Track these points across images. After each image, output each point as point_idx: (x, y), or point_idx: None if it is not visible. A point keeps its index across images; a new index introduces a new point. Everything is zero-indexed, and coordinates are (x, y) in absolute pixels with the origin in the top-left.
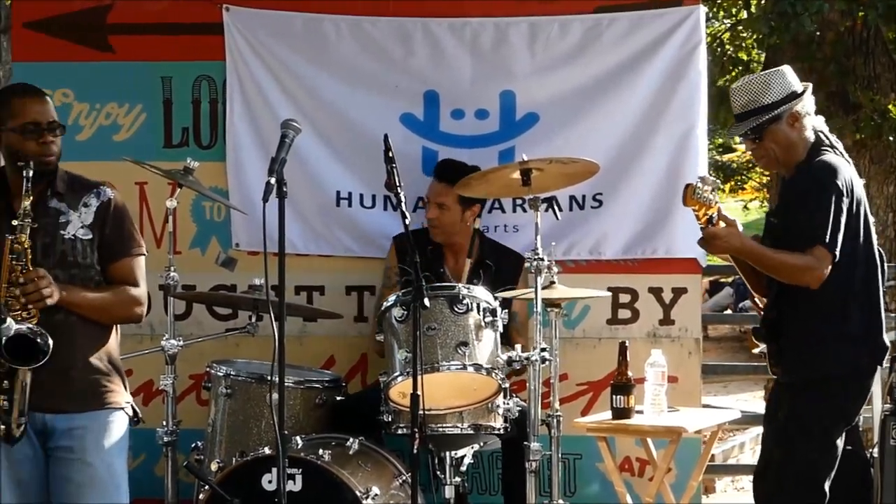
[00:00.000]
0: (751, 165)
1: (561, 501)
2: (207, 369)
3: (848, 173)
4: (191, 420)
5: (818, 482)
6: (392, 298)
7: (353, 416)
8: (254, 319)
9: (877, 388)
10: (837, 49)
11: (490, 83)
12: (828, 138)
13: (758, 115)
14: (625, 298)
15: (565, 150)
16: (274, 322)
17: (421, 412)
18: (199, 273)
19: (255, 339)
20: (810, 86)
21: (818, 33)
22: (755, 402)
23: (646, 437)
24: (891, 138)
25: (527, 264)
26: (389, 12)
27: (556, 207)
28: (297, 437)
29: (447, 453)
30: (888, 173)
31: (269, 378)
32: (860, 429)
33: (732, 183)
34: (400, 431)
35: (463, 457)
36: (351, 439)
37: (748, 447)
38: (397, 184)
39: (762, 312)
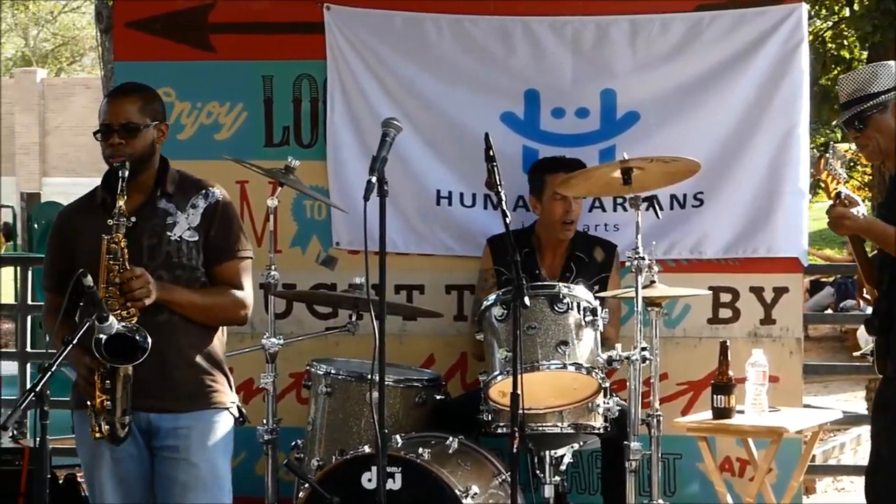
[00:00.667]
0: (852, 165)
1: (661, 501)
2: (307, 368)
3: None
4: (290, 418)
5: None
6: (492, 297)
7: (452, 415)
8: (354, 318)
9: None
10: None
11: (591, 82)
12: None
13: (863, 102)
14: (726, 298)
15: (666, 148)
16: (374, 321)
17: (521, 411)
18: (299, 272)
19: (354, 337)
20: None
21: None
22: (856, 402)
23: (747, 437)
24: None
25: (627, 263)
26: (490, 11)
27: (656, 206)
28: (397, 436)
29: (547, 452)
30: None
31: (368, 377)
32: None
33: None
34: (499, 431)
35: (562, 456)
36: (450, 438)
37: (849, 448)
38: (498, 183)
39: (873, 304)
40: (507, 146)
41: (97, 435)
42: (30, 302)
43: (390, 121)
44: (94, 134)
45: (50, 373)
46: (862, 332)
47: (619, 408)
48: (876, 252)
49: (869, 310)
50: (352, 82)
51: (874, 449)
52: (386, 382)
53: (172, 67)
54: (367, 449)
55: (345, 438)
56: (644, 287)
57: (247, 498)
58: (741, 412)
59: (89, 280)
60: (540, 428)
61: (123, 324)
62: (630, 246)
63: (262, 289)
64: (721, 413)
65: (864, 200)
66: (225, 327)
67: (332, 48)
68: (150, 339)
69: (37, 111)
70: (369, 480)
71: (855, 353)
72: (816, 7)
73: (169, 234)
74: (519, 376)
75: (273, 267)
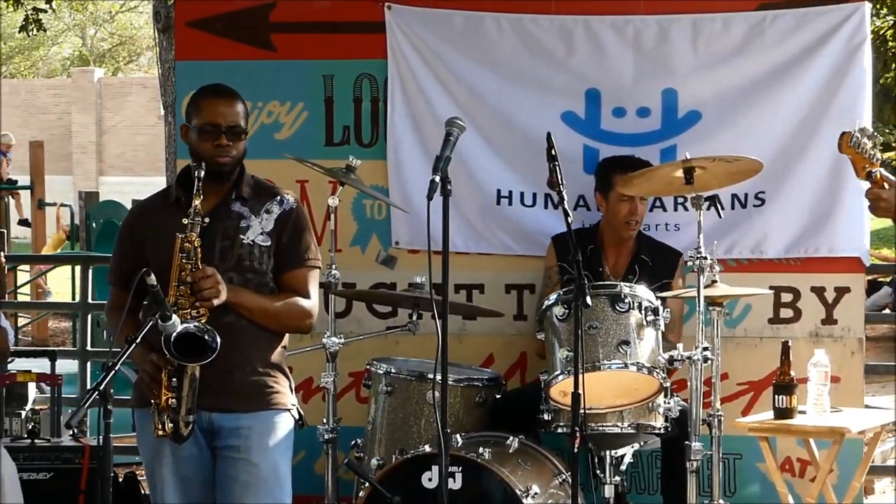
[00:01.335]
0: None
1: (721, 501)
2: (367, 367)
3: None
4: (350, 418)
5: None
6: (553, 297)
7: (512, 414)
8: (414, 317)
9: None
10: None
11: (652, 81)
12: None
13: None
14: (787, 297)
15: (727, 148)
16: (437, 320)
17: (582, 411)
18: (359, 271)
19: (414, 336)
20: None
21: None
22: None
23: (808, 437)
24: None
25: (689, 263)
26: (551, 10)
27: (718, 206)
28: (457, 436)
29: (607, 452)
30: None
31: (429, 376)
32: None
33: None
34: (560, 430)
35: (623, 456)
36: (511, 438)
37: None
38: (560, 182)
39: None
40: (568, 146)
41: (160, 433)
42: (90, 300)
43: (454, 120)
44: (190, 132)
45: (113, 371)
46: None
47: (679, 408)
48: None
49: None
50: (412, 82)
51: None
52: (435, 380)
53: (233, 67)
54: (427, 448)
55: (405, 438)
56: (706, 287)
57: (306, 496)
58: (803, 412)
59: (153, 279)
60: (600, 428)
61: (195, 323)
62: (691, 245)
63: (322, 288)
64: (783, 413)
65: None
66: None
67: (392, 48)
68: (218, 339)
69: (94, 110)
70: (430, 480)
71: None
72: (878, 5)
73: (242, 237)
74: (580, 376)
75: (334, 266)
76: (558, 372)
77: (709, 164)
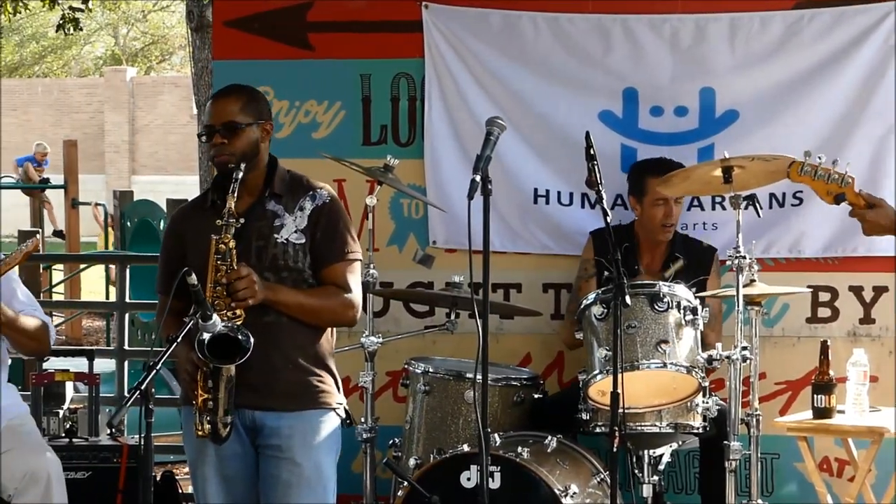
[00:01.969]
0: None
1: (760, 501)
2: (405, 366)
3: None
4: (387, 417)
5: None
6: (592, 296)
7: (549, 413)
8: (452, 316)
9: None
10: None
11: (689, 80)
12: None
13: None
14: (824, 297)
15: (765, 147)
16: (478, 320)
17: (620, 410)
18: (396, 270)
19: (451, 336)
20: None
21: None
22: None
23: (847, 437)
24: None
25: (728, 262)
26: (588, 9)
27: (757, 205)
28: (496, 435)
29: (645, 452)
30: None
31: (467, 375)
32: None
33: None
34: (598, 430)
35: (661, 455)
36: (549, 437)
37: None
38: (599, 181)
39: None
40: (606, 145)
41: (199, 433)
42: (127, 300)
43: (494, 119)
44: (199, 136)
45: (154, 371)
46: None
47: (718, 407)
48: None
49: None
50: (449, 80)
51: None
52: (476, 380)
53: (271, 66)
54: (466, 448)
55: (443, 437)
56: (744, 286)
57: (344, 496)
58: (841, 412)
59: (193, 279)
60: (639, 427)
61: (226, 324)
62: (728, 245)
63: None
64: (822, 413)
65: None
66: (335, 329)
67: (430, 46)
68: (252, 340)
69: (126, 109)
70: (468, 479)
71: None
72: None
73: (276, 236)
74: (619, 375)
75: (371, 265)
76: (597, 371)
77: (747, 163)
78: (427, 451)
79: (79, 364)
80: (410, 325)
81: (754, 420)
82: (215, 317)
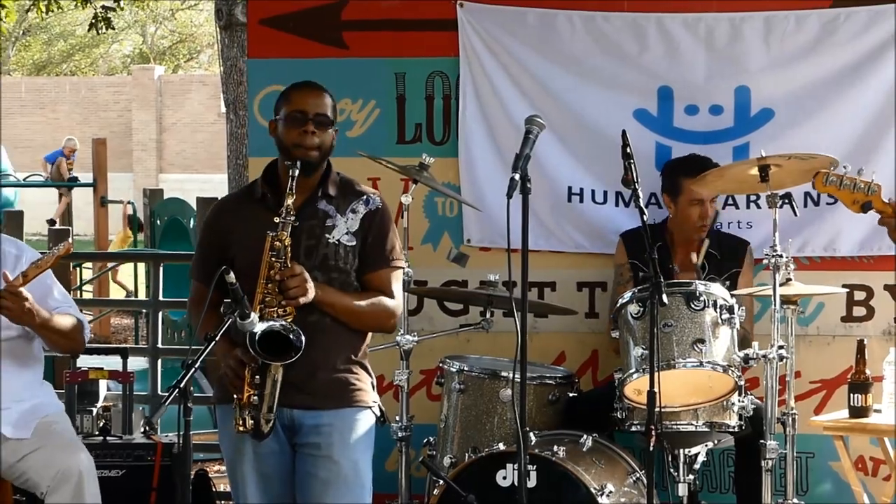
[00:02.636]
0: None
1: (796, 500)
2: (440, 365)
3: None
4: (421, 415)
5: None
6: (627, 295)
7: (584, 412)
8: (488, 315)
9: None
10: None
11: (724, 78)
12: None
13: None
14: (860, 296)
15: (800, 146)
16: (516, 318)
17: (657, 409)
18: (430, 268)
19: (485, 334)
20: None
21: None
22: None
23: (884, 436)
24: None
25: (765, 261)
26: (623, 8)
27: (793, 204)
28: (531, 433)
29: (681, 451)
30: None
31: (502, 374)
32: None
33: None
34: (633, 429)
35: (696, 454)
36: (584, 436)
37: None
38: (635, 180)
39: None
40: (640, 143)
41: (241, 429)
42: (160, 298)
43: (533, 118)
44: (275, 122)
45: (194, 369)
46: None
47: (753, 406)
48: None
49: None
50: (484, 79)
51: None
52: (514, 379)
53: (305, 65)
54: (501, 446)
55: (478, 436)
56: (781, 285)
57: (378, 495)
58: (878, 411)
59: (232, 276)
60: (675, 426)
61: (280, 322)
62: (763, 243)
63: None
64: (858, 412)
65: None
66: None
67: (464, 45)
68: (303, 339)
69: (154, 108)
70: (504, 478)
71: None
72: None
73: (327, 236)
74: (656, 374)
75: (407, 264)
76: (633, 370)
77: (784, 161)
78: (462, 450)
79: (109, 362)
80: (444, 323)
81: (790, 419)
82: (253, 315)
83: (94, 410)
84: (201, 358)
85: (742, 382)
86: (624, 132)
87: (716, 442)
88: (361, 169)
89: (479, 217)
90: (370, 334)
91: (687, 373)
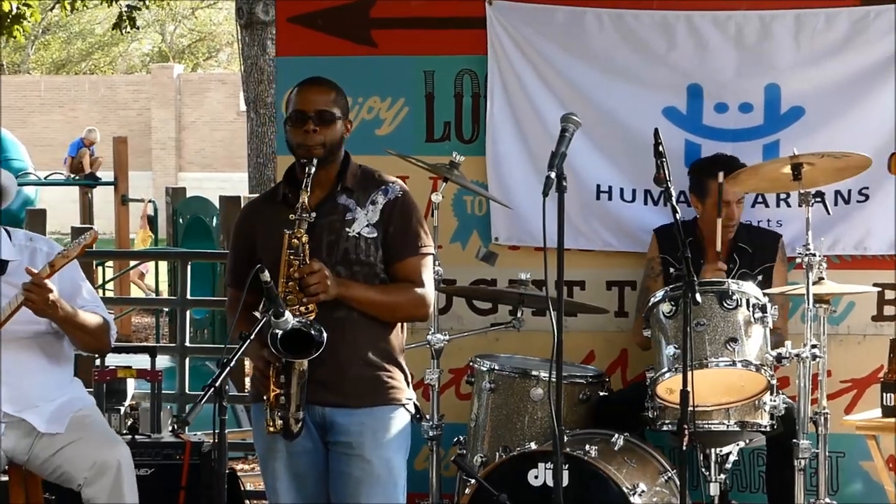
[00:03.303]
0: None
1: (828, 500)
2: (471, 364)
3: None
4: (451, 414)
5: None
6: (660, 294)
7: (614, 411)
8: (519, 314)
9: None
10: None
11: (754, 76)
12: None
13: None
14: (891, 294)
15: (830, 143)
16: (552, 317)
17: (690, 408)
18: (459, 267)
19: (514, 333)
20: None
21: None
22: None
23: None
24: None
25: (797, 258)
26: (653, 6)
27: (825, 202)
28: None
29: (712, 450)
30: None
31: (532, 373)
32: None
33: None
34: (665, 428)
35: (728, 454)
36: (616, 435)
37: None
38: (667, 178)
39: None
40: (670, 141)
41: (271, 429)
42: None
43: (569, 116)
44: (285, 123)
45: (228, 368)
46: None
47: (785, 405)
48: None
49: None
50: (512, 77)
51: None
52: (551, 379)
53: (334, 62)
54: (533, 445)
55: (508, 435)
56: (813, 283)
57: (408, 494)
58: None
59: (266, 275)
60: (706, 425)
61: (299, 319)
62: (792, 241)
63: None
64: (891, 411)
65: None
66: (406, 324)
67: (493, 43)
68: (325, 335)
69: (173, 106)
70: (535, 477)
71: None
72: None
73: (347, 230)
74: (689, 373)
75: (437, 262)
76: (665, 369)
77: (817, 160)
78: (493, 449)
79: (132, 361)
80: (473, 322)
81: (822, 418)
82: (287, 313)
83: (122, 409)
84: (236, 357)
85: (774, 382)
86: (656, 131)
87: (747, 441)
88: (390, 167)
89: (508, 215)
90: (405, 328)
91: (719, 372)
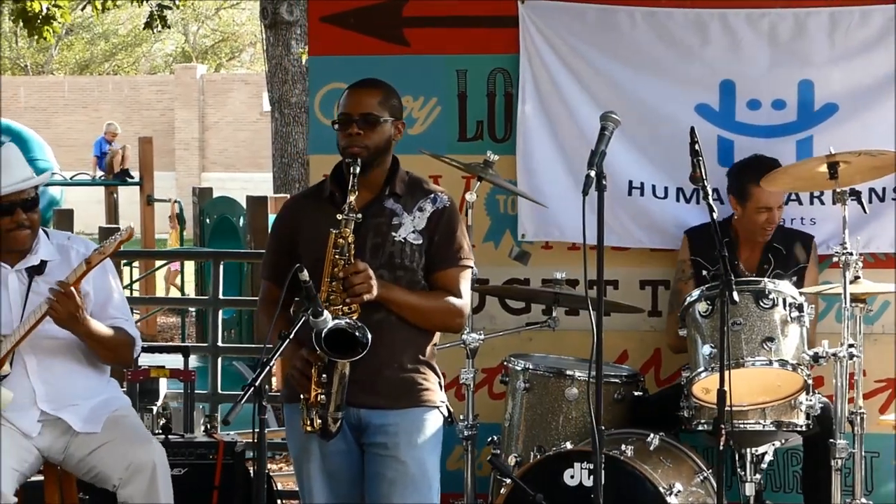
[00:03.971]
0: None
1: (864, 500)
2: (505, 363)
3: None
4: (484, 414)
5: None
6: (696, 293)
7: (648, 411)
8: (554, 313)
9: None
10: None
11: (788, 73)
12: None
13: None
14: None
15: (863, 140)
16: (592, 315)
17: (728, 408)
18: (492, 266)
19: (546, 333)
20: None
21: None
22: None
23: None
24: None
25: (835, 258)
26: (685, 3)
27: (860, 200)
28: None
29: (748, 450)
30: None
31: (567, 372)
32: None
33: None
34: (701, 427)
35: (764, 454)
36: (651, 435)
37: None
38: (703, 176)
39: None
40: (702, 137)
41: (308, 429)
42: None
43: (609, 114)
44: (333, 124)
45: (268, 367)
46: None
47: (821, 405)
48: None
49: None
50: (545, 75)
51: None
52: (585, 378)
53: (366, 62)
54: (568, 445)
55: (543, 435)
56: (850, 283)
57: (441, 494)
58: None
59: (305, 275)
60: (742, 425)
61: (346, 319)
62: (826, 240)
63: None
64: None
65: None
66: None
67: (525, 42)
68: (369, 336)
69: (196, 107)
70: (571, 477)
71: None
72: None
73: (394, 234)
74: (726, 373)
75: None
76: (701, 369)
77: (853, 158)
78: (527, 449)
79: (162, 360)
80: (506, 321)
81: (858, 418)
82: (326, 313)
83: (155, 409)
84: (275, 356)
85: (811, 381)
86: (692, 129)
87: (783, 441)
88: (422, 166)
89: (534, 211)
90: (438, 334)
91: (755, 371)
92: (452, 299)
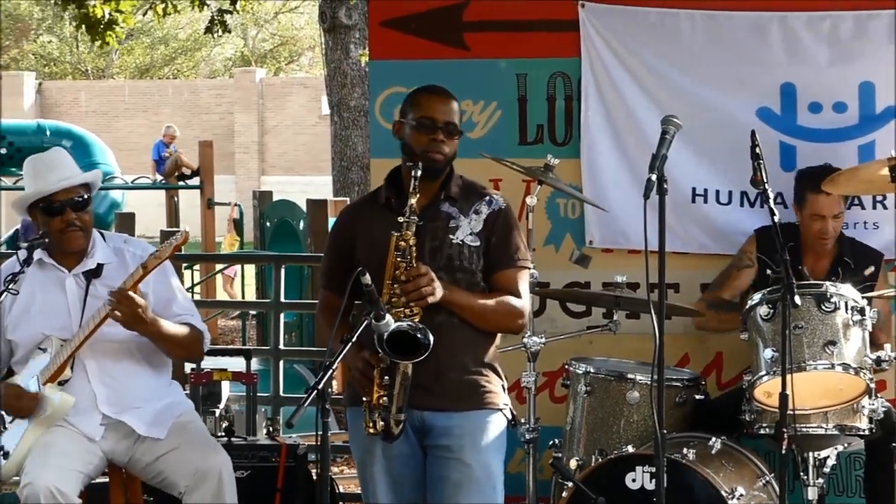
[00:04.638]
0: None
1: None
2: (566, 366)
3: None
4: (545, 417)
5: None
6: (757, 297)
7: (710, 415)
8: (615, 317)
9: None
10: None
11: (848, 76)
12: None
13: None
14: None
15: None
16: (654, 319)
17: (790, 412)
18: (553, 270)
19: (607, 336)
20: None
21: None
22: None
23: None
24: None
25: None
26: (745, 7)
27: None
28: None
29: (810, 454)
30: None
31: (628, 376)
32: None
33: None
34: (763, 431)
35: (826, 458)
36: (713, 438)
37: None
38: (764, 180)
39: None
40: (764, 142)
41: (371, 431)
42: (282, 300)
43: (670, 118)
44: (403, 126)
45: (331, 371)
46: None
47: (884, 409)
48: None
49: None
50: (606, 79)
51: None
52: (647, 382)
53: (426, 66)
54: (630, 449)
55: (604, 438)
56: None
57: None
58: None
59: (367, 278)
60: (804, 429)
61: (407, 322)
62: (889, 244)
63: None
64: None
65: None
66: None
67: (586, 45)
68: (431, 338)
69: (256, 110)
70: (633, 481)
71: None
72: None
73: (451, 237)
74: (788, 377)
75: (532, 265)
76: (763, 372)
77: None
78: (589, 452)
79: (224, 363)
80: (567, 324)
81: None
82: (388, 317)
83: (217, 412)
84: (338, 359)
85: (873, 385)
86: (753, 133)
87: (845, 445)
88: (483, 170)
89: (602, 218)
90: (499, 336)
91: (817, 375)
92: (512, 300)
